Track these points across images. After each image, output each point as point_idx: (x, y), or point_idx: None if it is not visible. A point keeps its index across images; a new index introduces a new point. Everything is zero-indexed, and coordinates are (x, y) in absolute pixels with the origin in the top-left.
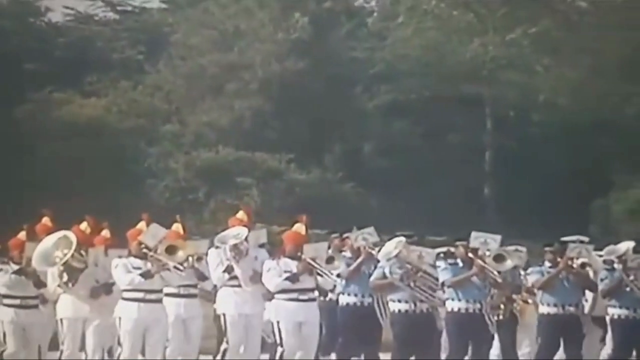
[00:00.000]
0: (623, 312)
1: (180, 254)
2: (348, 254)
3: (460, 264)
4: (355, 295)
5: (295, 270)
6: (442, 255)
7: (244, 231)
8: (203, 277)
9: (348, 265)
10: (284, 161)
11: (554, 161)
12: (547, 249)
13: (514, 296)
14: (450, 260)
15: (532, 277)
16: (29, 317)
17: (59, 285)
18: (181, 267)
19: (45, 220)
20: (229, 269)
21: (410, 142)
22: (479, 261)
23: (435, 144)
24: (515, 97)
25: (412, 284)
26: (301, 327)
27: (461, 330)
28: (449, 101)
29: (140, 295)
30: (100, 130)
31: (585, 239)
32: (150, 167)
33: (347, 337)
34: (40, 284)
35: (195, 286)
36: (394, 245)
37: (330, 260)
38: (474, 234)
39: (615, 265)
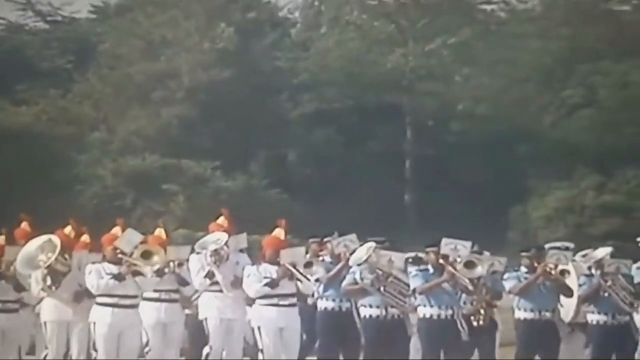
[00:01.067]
0: (602, 317)
1: (156, 259)
2: (328, 258)
3: (431, 270)
4: (334, 300)
5: (275, 276)
6: (410, 260)
7: (224, 236)
8: (184, 283)
9: (328, 270)
10: (209, 168)
11: (473, 169)
12: (523, 254)
13: (495, 302)
14: (420, 267)
15: (508, 283)
16: (9, 321)
17: (42, 289)
18: (152, 274)
19: (24, 225)
20: (210, 275)
21: (333, 150)
22: (450, 267)
23: (357, 152)
24: (435, 107)
25: (382, 289)
26: (282, 332)
27: (433, 337)
28: (370, 110)
29: (114, 300)
30: (31, 137)
31: (571, 245)
32: (79, 173)
33: (326, 341)
34: (19, 287)
35: (176, 291)
36: (364, 250)
37: (308, 265)
38: (444, 240)
39: (593, 271)
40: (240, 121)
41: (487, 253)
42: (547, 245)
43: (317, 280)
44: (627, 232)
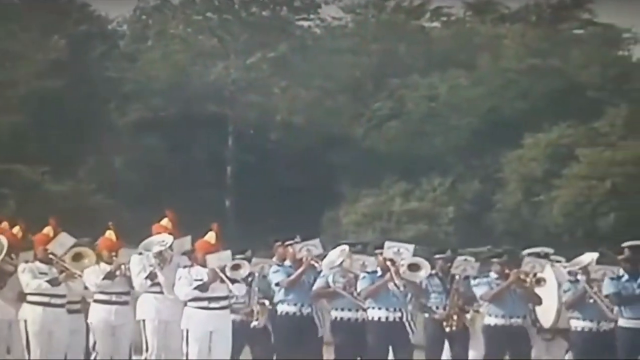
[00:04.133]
0: (586, 324)
1: (86, 262)
2: (288, 262)
3: (379, 273)
4: (295, 304)
5: (206, 279)
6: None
7: (169, 238)
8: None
9: (288, 274)
10: (40, 173)
11: (290, 176)
12: (494, 260)
13: (466, 307)
14: (369, 269)
15: (479, 289)
16: None
17: None
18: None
19: None
20: (152, 276)
21: (158, 156)
22: (393, 268)
23: (181, 158)
24: (255, 117)
25: (354, 293)
26: (211, 336)
27: (380, 339)
28: (194, 119)
29: (45, 299)
30: None
31: (550, 250)
32: None
33: (285, 346)
34: None
35: (127, 293)
36: (337, 254)
37: (236, 267)
38: (387, 243)
39: (579, 277)
40: (71, 128)
41: (460, 258)
42: (525, 252)
43: (277, 284)
44: (432, 237)
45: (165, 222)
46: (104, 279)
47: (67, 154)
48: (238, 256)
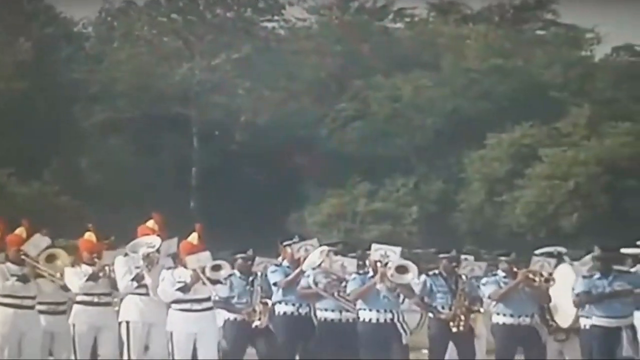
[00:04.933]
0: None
1: (59, 264)
2: (286, 262)
3: (370, 274)
4: (293, 304)
5: (189, 281)
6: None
7: (157, 241)
8: (117, 287)
9: (286, 274)
10: (5, 175)
11: (255, 177)
12: (502, 258)
13: (473, 307)
14: (361, 270)
15: (487, 288)
16: None
17: None
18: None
19: None
20: (138, 278)
21: (123, 158)
22: (382, 269)
23: (146, 160)
24: (220, 118)
25: (336, 294)
26: (196, 338)
27: (371, 341)
28: (159, 120)
29: (17, 301)
30: None
31: (563, 249)
32: None
33: (284, 345)
34: None
35: (108, 294)
36: (317, 254)
37: (216, 268)
38: (374, 245)
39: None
40: (36, 130)
41: (470, 257)
42: (538, 251)
43: (274, 284)
44: (396, 237)
45: (151, 223)
46: (87, 280)
47: (32, 155)
48: (240, 255)
